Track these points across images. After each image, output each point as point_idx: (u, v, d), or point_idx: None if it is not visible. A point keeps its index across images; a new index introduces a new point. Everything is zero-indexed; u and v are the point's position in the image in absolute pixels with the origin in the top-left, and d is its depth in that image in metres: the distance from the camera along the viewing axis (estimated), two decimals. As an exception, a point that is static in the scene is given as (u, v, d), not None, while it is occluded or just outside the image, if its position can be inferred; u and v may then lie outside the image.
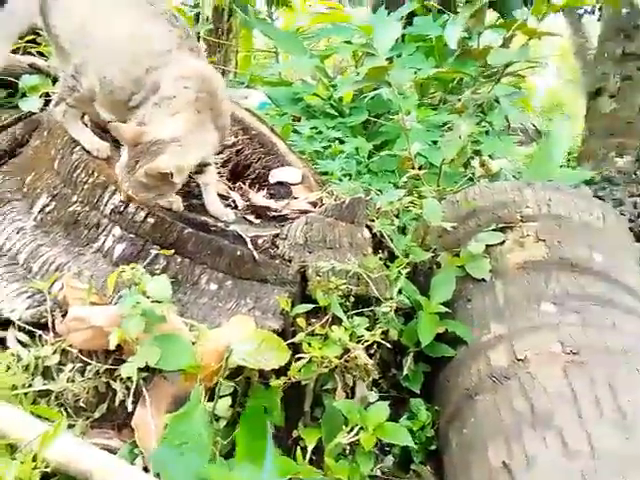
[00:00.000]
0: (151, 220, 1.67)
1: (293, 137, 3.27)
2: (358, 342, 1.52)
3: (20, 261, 1.69)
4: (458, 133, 2.10)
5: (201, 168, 1.81)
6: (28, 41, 2.32)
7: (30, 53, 2.41)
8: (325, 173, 2.79)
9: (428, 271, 2.20)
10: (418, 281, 2.10)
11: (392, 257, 2.02)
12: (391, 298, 1.73)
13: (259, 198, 2.12)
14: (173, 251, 1.63)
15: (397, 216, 2.11)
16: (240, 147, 2.42)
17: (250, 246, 1.72)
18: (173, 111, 1.61)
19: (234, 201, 2.11)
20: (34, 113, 2.24)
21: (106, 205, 1.70)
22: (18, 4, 1.74)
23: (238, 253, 1.70)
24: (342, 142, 3.32)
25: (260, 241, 1.78)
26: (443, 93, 3.73)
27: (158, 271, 1.66)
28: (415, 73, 3.12)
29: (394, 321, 1.74)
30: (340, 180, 2.60)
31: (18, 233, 1.74)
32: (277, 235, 1.81)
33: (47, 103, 2.26)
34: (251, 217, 1.98)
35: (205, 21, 8.33)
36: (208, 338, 1.45)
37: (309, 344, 1.47)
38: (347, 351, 1.48)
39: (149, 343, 1.36)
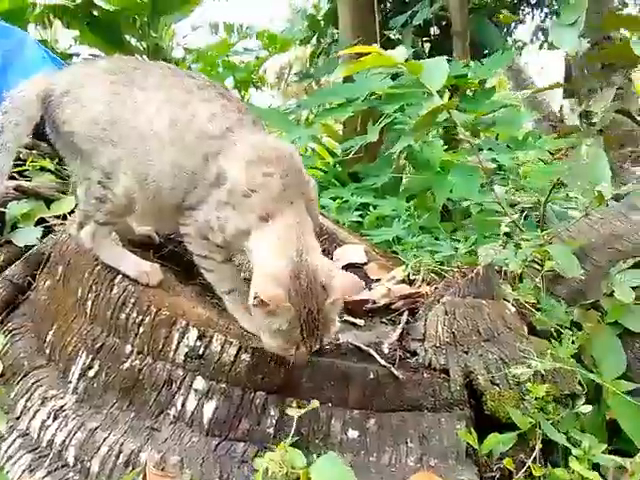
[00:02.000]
0: (245, 358, 1.18)
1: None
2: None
3: (70, 460, 1.16)
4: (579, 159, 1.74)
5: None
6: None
7: (11, 177, 1.95)
8: (380, 244, 2.37)
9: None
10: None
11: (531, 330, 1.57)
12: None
13: (348, 291, 1.66)
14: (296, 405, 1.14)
15: (521, 278, 1.69)
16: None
17: (382, 361, 1.24)
18: (260, 211, 1.16)
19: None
20: (32, 246, 1.76)
21: (177, 350, 1.20)
22: (7, 135, 1.32)
23: (370, 376, 1.21)
24: (373, 207, 2.95)
25: (386, 350, 1.31)
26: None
27: (271, 430, 1.16)
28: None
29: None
30: (409, 248, 2.18)
31: (57, 418, 1.22)
32: (404, 336, 1.34)
33: (48, 232, 1.79)
34: (351, 318, 1.51)
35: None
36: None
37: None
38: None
39: None
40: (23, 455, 1.17)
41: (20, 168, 2.05)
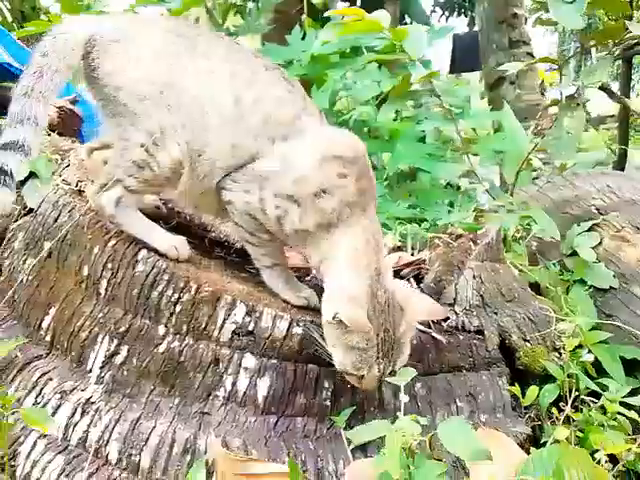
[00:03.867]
0: (297, 331, 1.13)
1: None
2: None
3: (112, 457, 1.04)
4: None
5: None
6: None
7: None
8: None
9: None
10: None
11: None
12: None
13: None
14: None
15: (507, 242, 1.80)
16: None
17: (420, 326, 1.26)
18: (332, 216, 1.08)
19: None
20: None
21: (222, 328, 1.12)
22: (45, 83, 1.10)
23: (415, 342, 1.23)
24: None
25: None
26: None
27: (327, 402, 1.14)
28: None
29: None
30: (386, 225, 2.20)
31: (85, 412, 1.08)
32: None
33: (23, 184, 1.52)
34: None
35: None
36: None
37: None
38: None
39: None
40: (53, 458, 1.02)
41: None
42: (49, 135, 1.71)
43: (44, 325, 1.23)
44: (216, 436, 1.05)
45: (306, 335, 1.12)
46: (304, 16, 4.13)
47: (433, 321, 1.31)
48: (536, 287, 1.63)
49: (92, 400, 1.09)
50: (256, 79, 1.15)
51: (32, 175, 1.40)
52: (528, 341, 1.29)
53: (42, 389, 1.13)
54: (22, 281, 1.31)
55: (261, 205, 1.11)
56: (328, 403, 1.14)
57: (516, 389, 1.21)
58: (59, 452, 1.04)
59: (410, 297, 1.11)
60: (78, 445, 1.05)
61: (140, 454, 1.03)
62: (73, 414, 1.08)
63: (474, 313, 1.33)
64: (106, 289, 1.18)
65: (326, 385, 1.15)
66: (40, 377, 1.15)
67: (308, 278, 1.52)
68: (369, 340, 1.02)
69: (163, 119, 1.11)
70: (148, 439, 1.04)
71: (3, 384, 1.16)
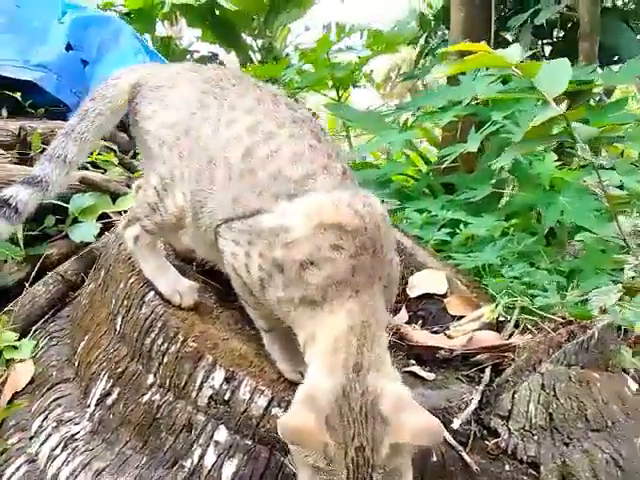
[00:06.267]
0: (277, 413, 0.96)
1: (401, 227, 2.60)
2: None
3: (68, 503, 1.01)
4: None
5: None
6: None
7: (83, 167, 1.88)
8: (468, 270, 2.05)
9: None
10: None
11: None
12: None
13: (420, 333, 1.39)
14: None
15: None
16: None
17: (452, 440, 0.96)
18: (314, 293, 0.89)
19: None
20: (89, 244, 1.67)
21: (200, 390, 1.01)
22: (85, 125, 1.19)
23: (433, 458, 0.94)
24: (462, 224, 2.61)
25: (456, 426, 1.02)
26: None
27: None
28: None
29: None
30: (502, 280, 1.84)
31: (66, 447, 1.08)
32: (483, 407, 1.05)
33: (105, 229, 1.69)
34: (420, 369, 1.24)
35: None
36: None
37: None
38: None
39: None
40: (28, 488, 1.04)
41: (91, 158, 1.99)
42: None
43: (78, 350, 1.29)
44: (164, 513, 0.94)
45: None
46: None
47: (475, 434, 1.00)
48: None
49: (76, 437, 1.09)
50: (277, 133, 1.02)
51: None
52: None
53: (50, 413, 1.17)
54: (80, 303, 1.40)
55: (246, 261, 0.97)
56: (301, 509, 0.93)
57: None
58: (33, 483, 1.05)
59: (403, 408, 0.82)
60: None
61: (88, 509, 0.98)
62: (57, 446, 1.08)
63: (534, 437, 0.97)
64: (120, 326, 1.17)
65: (302, 486, 0.94)
66: (54, 400, 1.19)
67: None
68: (331, 460, 0.78)
69: (175, 166, 1.08)
70: (102, 495, 0.98)
71: (32, 396, 1.24)
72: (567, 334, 1.17)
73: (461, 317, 1.53)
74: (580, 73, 2.60)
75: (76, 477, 1.02)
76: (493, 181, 2.76)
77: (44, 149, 1.85)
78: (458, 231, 2.54)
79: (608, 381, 1.06)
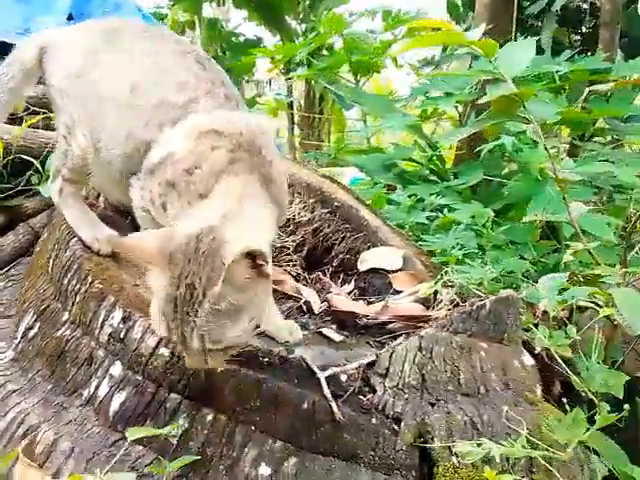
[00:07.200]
0: (165, 353, 1.03)
1: (387, 209, 2.60)
2: None
3: (-22, 420, 1.11)
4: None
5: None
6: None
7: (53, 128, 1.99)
8: (433, 252, 2.06)
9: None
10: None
11: (567, 391, 1.21)
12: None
13: (341, 299, 1.43)
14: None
15: (568, 320, 1.31)
16: (318, 224, 1.78)
17: (326, 391, 1.00)
18: (198, 188, 0.98)
19: (308, 304, 1.44)
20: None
21: (102, 328, 1.09)
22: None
23: (304, 406, 0.99)
24: (451, 210, 2.60)
25: (344, 378, 1.07)
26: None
27: (174, 440, 1.00)
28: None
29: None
30: (459, 261, 1.85)
31: (-13, 371, 1.18)
32: (371, 365, 1.09)
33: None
34: (331, 330, 1.29)
35: (298, 108, 8.30)
36: None
37: None
38: None
39: None
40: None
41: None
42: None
43: (22, 290, 1.39)
44: (55, 433, 1.02)
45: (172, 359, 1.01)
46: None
47: (357, 389, 1.04)
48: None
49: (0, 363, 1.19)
50: (163, 66, 1.11)
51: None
52: (457, 455, 0.91)
53: (-15, 343, 1.27)
54: (35, 250, 1.51)
55: (150, 196, 1.05)
56: (174, 441, 1.00)
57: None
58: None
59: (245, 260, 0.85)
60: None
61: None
62: (-20, 370, 1.19)
63: (405, 395, 1.00)
64: (51, 268, 1.27)
65: (181, 421, 1.01)
66: (-8, 333, 1.30)
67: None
68: (166, 288, 0.85)
69: (73, 111, 1.16)
70: (8, 412, 1.07)
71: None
72: (470, 306, 1.19)
73: (399, 292, 1.57)
74: (592, 61, 2.53)
75: (-9, 395, 1.12)
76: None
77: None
78: (441, 216, 2.53)
79: (496, 351, 1.08)
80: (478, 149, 2.60)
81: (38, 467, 0.95)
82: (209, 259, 0.85)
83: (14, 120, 2.11)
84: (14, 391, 1.11)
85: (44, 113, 2.00)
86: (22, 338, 1.21)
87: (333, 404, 0.99)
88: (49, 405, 1.08)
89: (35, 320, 1.21)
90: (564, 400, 1.03)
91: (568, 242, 1.70)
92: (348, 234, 1.78)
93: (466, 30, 5.34)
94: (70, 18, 2.55)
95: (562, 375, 1.20)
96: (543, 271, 2.05)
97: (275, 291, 1.40)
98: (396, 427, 0.97)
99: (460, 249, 1.93)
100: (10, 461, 0.96)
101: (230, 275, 0.83)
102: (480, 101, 1.63)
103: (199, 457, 0.97)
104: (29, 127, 1.83)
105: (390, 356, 1.03)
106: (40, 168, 1.80)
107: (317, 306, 1.44)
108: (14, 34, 2.30)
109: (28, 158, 1.79)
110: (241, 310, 0.87)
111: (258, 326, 0.92)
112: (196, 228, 0.89)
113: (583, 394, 1.13)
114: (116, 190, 1.21)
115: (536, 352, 1.18)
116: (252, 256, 0.85)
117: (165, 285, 0.86)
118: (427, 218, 2.53)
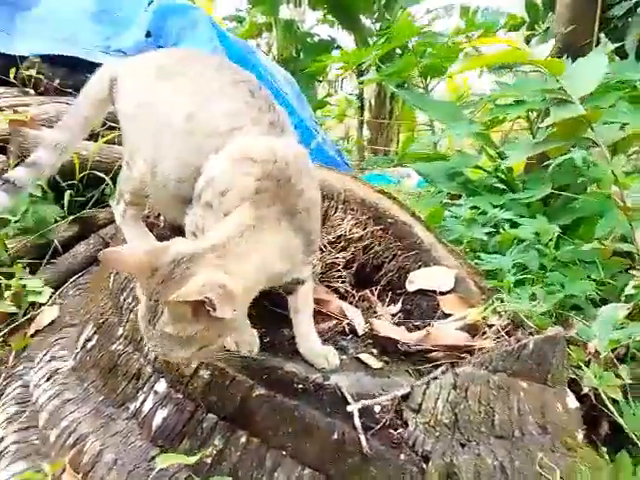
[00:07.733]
0: (204, 375, 1.07)
1: (448, 222, 2.53)
2: None
3: (40, 422, 1.21)
4: None
5: (289, 286, 1.20)
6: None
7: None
8: (491, 273, 1.99)
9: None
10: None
11: (616, 435, 1.14)
12: None
13: (383, 324, 1.42)
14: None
15: (622, 361, 1.23)
16: (369, 241, 1.77)
17: (357, 423, 1.01)
18: (225, 209, 1.04)
19: (350, 325, 1.45)
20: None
21: (150, 346, 1.16)
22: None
23: (334, 436, 1.00)
24: (515, 225, 2.49)
25: (377, 409, 1.07)
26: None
27: (208, 460, 1.04)
28: (621, 128, 2.21)
29: None
30: (514, 284, 1.78)
31: (49, 379, 1.29)
32: (406, 398, 1.08)
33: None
34: (369, 356, 1.28)
35: (369, 107, 8.29)
36: None
37: None
38: None
39: None
40: (12, 405, 1.26)
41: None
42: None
43: (87, 301, 1.50)
44: (102, 444, 1.10)
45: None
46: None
47: (390, 423, 1.04)
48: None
49: (59, 371, 1.29)
50: (217, 96, 1.16)
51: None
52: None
53: (50, 350, 1.39)
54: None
55: (195, 219, 1.11)
56: (209, 461, 1.04)
57: None
58: (19, 402, 1.27)
59: (212, 281, 0.89)
60: (33, 403, 1.26)
61: (52, 430, 1.17)
62: (43, 377, 1.30)
63: (436, 433, 0.98)
64: (112, 284, 1.36)
65: (216, 442, 1.05)
66: (57, 340, 1.42)
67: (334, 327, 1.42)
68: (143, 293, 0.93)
69: (136, 138, 1.24)
70: (62, 420, 1.17)
71: (46, 337, 1.47)
72: (516, 341, 1.15)
73: (449, 315, 1.54)
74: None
75: (51, 401, 1.22)
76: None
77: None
78: (502, 231, 2.44)
79: (537, 392, 1.03)
80: (545, 163, 2.49)
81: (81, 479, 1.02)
82: (174, 286, 0.89)
83: (91, 136, 2.29)
84: (69, 400, 1.21)
85: (119, 129, 2.15)
86: (82, 348, 1.31)
87: (362, 437, 0.99)
88: (99, 416, 1.17)
89: (94, 332, 1.30)
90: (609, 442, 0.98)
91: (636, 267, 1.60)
92: (399, 252, 1.76)
93: (545, 31, 5.10)
94: (148, 35, 2.69)
95: (610, 415, 1.13)
96: (609, 292, 1.93)
97: (319, 312, 1.42)
98: (424, 465, 0.95)
99: (519, 269, 1.85)
100: (57, 470, 1.04)
101: (176, 310, 0.89)
102: (542, 124, 1.56)
103: (231, 478, 1.01)
104: (105, 142, 1.95)
105: (424, 392, 1.02)
106: (111, 183, 1.93)
107: (361, 328, 1.44)
108: (97, 52, 2.47)
109: (101, 174, 1.93)
110: (189, 340, 0.91)
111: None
112: (182, 253, 0.93)
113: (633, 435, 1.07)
114: (171, 212, 1.28)
115: (582, 393, 1.12)
116: (203, 301, 0.87)
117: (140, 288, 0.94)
118: (487, 233, 2.44)
